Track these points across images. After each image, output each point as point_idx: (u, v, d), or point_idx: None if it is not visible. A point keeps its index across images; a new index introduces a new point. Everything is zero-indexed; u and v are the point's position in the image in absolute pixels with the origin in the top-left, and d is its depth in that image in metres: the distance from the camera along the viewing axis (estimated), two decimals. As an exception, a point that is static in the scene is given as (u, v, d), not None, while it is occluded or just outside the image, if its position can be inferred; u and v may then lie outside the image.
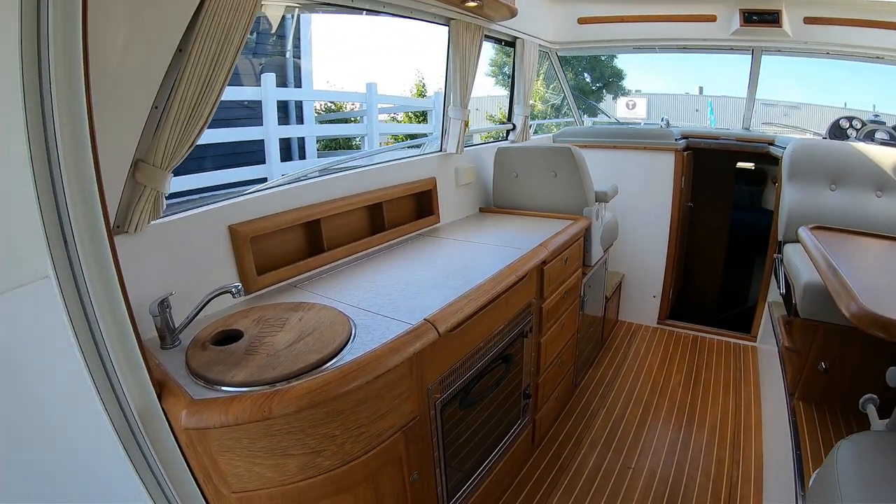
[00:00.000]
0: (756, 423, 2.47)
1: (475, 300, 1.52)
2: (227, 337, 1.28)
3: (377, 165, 2.16)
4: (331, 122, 7.58)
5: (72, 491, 1.07)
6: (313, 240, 1.83)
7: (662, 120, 3.88)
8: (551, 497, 2.05)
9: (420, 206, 2.36)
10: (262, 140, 5.13)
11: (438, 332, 1.34)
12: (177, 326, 1.27)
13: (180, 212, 1.43)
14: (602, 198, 2.70)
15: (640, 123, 4.41)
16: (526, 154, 2.66)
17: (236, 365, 1.13)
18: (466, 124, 2.53)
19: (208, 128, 1.26)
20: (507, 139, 3.43)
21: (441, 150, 2.53)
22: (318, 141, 6.60)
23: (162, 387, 1.07)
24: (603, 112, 5.23)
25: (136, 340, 1.00)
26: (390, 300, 1.53)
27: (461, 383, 1.57)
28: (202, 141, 1.29)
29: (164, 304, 1.22)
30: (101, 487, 1.10)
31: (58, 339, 0.94)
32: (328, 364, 1.16)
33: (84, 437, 1.04)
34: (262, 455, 1.07)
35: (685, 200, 3.58)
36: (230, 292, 1.26)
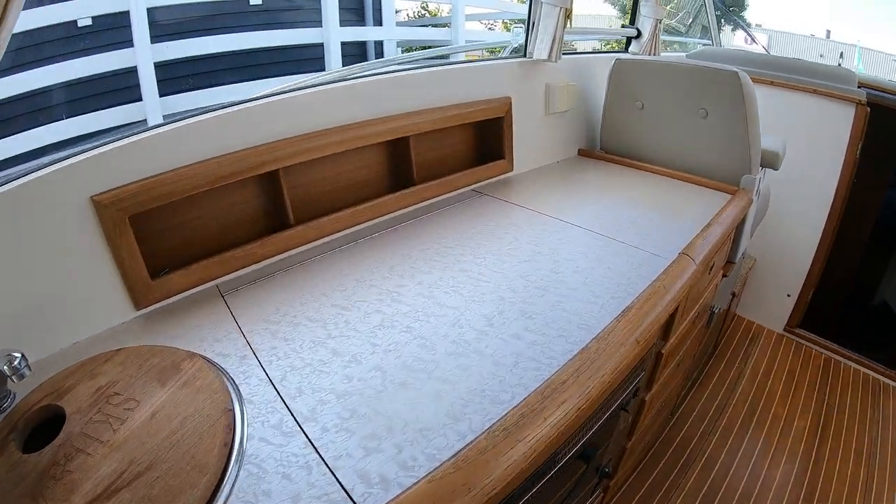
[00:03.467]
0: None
1: (584, 394, 0.67)
2: (55, 416, 0.68)
3: (407, 72, 1.26)
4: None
5: None
6: (271, 206, 1.03)
7: (841, 57, 2.67)
8: None
9: (481, 143, 1.46)
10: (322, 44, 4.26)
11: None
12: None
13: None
14: (770, 162, 1.70)
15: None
16: (662, 73, 1.64)
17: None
18: (568, 15, 1.54)
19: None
20: (626, 52, 2.35)
21: (524, 56, 1.57)
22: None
23: None
24: (745, 29, 3.85)
25: None
26: (384, 373, 0.73)
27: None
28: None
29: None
30: None
31: None
32: None
33: None
34: None
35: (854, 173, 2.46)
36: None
